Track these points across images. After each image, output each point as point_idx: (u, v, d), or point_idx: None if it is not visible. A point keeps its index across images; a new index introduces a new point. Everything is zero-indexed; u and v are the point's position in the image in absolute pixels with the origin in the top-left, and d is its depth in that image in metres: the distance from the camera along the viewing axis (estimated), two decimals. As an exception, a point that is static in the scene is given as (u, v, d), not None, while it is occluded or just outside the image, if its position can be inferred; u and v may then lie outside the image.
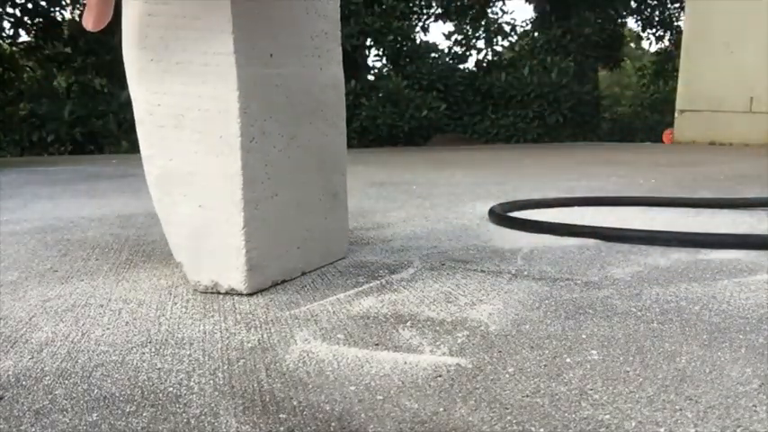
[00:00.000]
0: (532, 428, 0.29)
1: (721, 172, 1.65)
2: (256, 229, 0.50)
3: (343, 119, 0.61)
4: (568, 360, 0.37)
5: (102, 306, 0.49)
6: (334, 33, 0.58)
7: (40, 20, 5.37)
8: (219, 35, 0.46)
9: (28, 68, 5.96)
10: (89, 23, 0.47)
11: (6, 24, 5.27)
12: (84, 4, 0.46)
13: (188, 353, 0.39)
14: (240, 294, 0.51)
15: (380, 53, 6.42)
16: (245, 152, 0.48)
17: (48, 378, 0.35)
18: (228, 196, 0.49)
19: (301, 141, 0.55)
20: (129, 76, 0.50)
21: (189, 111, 0.48)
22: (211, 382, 0.35)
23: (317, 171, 0.58)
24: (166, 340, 0.41)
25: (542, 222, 0.79)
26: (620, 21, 7.34)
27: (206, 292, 0.52)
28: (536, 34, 6.73)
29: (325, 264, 0.61)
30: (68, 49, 5.57)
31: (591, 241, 0.72)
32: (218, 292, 0.52)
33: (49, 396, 0.33)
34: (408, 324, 0.44)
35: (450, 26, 6.92)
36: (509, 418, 0.30)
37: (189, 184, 0.50)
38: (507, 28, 6.75)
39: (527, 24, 7.03)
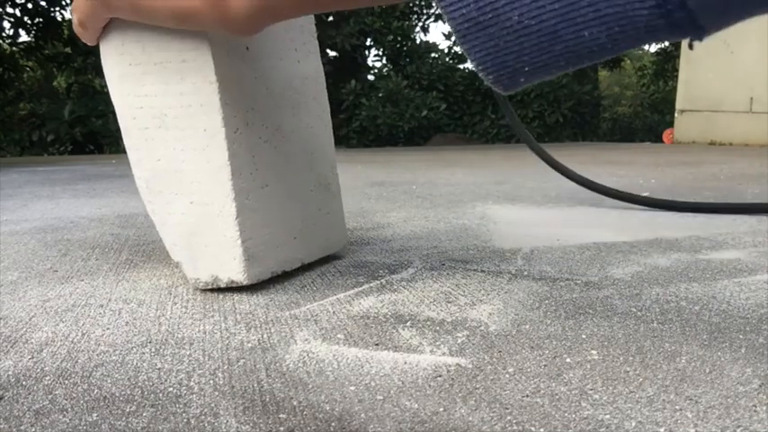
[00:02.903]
0: (532, 428, 0.29)
1: (721, 172, 1.65)
2: (249, 219, 0.50)
3: (328, 111, 0.62)
4: (568, 360, 0.37)
5: (102, 306, 0.49)
6: (308, 27, 0.58)
7: (40, 20, 5.38)
8: (194, 32, 0.46)
9: (28, 68, 5.97)
10: (89, 41, 0.49)
11: (6, 24, 5.28)
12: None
13: (188, 353, 0.39)
14: (241, 287, 0.51)
15: (380, 53, 6.42)
16: (230, 142, 0.48)
17: (48, 378, 0.35)
18: (219, 188, 0.49)
19: (286, 133, 0.55)
20: (111, 85, 0.51)
21: (171, 109, 0.48)
22: (211, 382, 0.35)
23: (306, 162, 0.58)
24: (166, 340, 0.41)
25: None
26: (620, 21, 7.31)
27: (206, 289, 0.52)
28: (536, 34, 6.71)
29: (326, 255, 0.62)
30: (68, 49, 5.58)
31: (591, 241, 0.72)
32: (219, 287, 0.52)
33: (49, 396, 0.33)
34: (408, 324, 0.44)
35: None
36: (509, 418, 0.30)
37: (179, 182, 0.50)
38: (507, 28, 6.73)
39: (527, 24, 7.00)
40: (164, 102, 0.48)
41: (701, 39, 0.26)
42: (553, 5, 0.26)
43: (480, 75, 0.29)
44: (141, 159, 0.51)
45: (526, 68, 0.28)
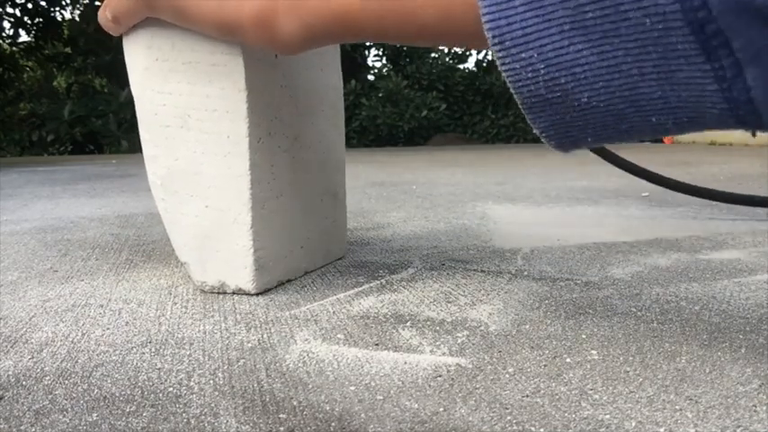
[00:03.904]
0: (532, 428, 0.29)
1: (721, 172, 1.65)
2: (263, 229, 0.50)
3: (342, 118, 0.62)
4: (568, 360, 0.37)
5: (102, 306, 0.49)
6: None
7: (40, 20, 5.38)
8: None
9: (28, 68, 5.97)
10: (115, 34, 0.48)
11: (6, 24, 5.28)
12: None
13: (188, 353, 0.39)
14: (248, 294, 0.51)
15: (380, 53, 6.42)
16: (252, 152, 0.48)
17: (48, 378, 0.35)
18: (236, 195, 0.49)
19: (304, 141, 0.55)
20: (132, 75, 0.50)
21: (195, 110, 0.48)
22: (211, 382, 0.35)
23: (319, 171, 0.58)
24: (166, 340, 0.41)
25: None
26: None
27: (212, 293, 0.52)
28: (536, 34, 6.71)
29: (327, 263, 0.62)
30: (68, 49, 5.58)
31: (591, 241, 0.72)
32: (225, 292, 0.52)
33: (49, 396, 0.33)
34: (408, 324, 0.44)
35: (450, 26, 6.88)
36: (509, 418, 0.30)
37: (195, 184, 0.50)
38: (507, 28, 6.72)
39: (527, 24, 6.99)
40: (188, 102, 0.48)
41: (764, 131, 0.27)
42: (623, 92, 0.26)
43: (543, 140, 0.30)
44: (158, 156, 0.51)
45: (589, 139, 0.29)
